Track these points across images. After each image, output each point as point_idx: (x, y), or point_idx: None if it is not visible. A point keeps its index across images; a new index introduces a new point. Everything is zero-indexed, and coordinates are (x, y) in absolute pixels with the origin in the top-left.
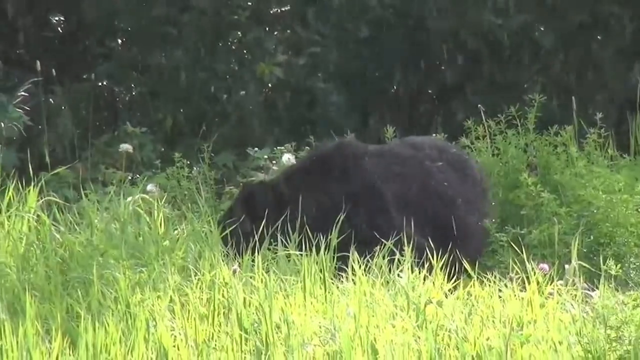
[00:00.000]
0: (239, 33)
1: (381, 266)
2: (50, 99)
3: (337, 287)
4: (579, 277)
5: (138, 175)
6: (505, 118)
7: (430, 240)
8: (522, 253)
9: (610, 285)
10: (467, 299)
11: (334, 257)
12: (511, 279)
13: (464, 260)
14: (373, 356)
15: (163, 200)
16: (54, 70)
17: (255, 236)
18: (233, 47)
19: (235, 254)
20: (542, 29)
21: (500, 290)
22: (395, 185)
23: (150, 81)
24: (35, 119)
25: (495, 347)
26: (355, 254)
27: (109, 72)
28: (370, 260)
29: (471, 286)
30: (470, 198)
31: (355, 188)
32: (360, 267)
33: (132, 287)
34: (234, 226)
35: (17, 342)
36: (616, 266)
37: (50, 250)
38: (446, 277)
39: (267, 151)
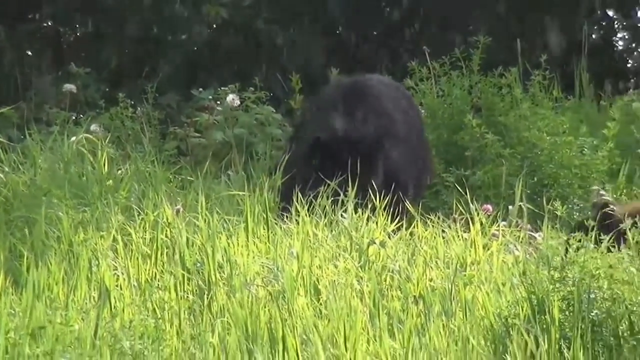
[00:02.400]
0: None
1: (325, 207)
2: None
3: (281, 228)
4: (523, 218)
5: (82, 116)
6: (450, 60)
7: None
8: (466, 194)
9: (554, 227)
10: (411, 239)
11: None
12: (455, 220)
13: (407, 201)
14: (316, 296)
15: (107, 140)
16: None
17: None
18: None
19: None
20: None
21: (443, 231)
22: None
23: (95, 22)
24: None
25: (439, 288)
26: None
27: (54, 12)
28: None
29: (415, 227)
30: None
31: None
32: (303, 207)
33: (75, 227)
34: None
35: None
36: (560, 207)
37: None
38: (390, 218)
39: (211, 92)
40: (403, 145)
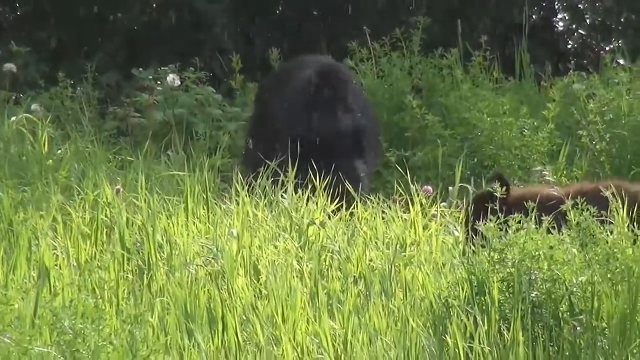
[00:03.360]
0: None
1: (265, 187)
2: None
3: (221, 208)
4: (463, 199)
5: (22, 95)
6: (391, 41)
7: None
8: (407, 175)
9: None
10: (351, 220)
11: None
12: (395, 201)
13: (347, 182)
14: (256, 277)
15: (47, 121)
16: None
17: None
18: None
19: None
20: None
21: (384, 212)
22: None
23: (36, 1)
24: None
25: (379, 268)
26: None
27: None
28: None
29: (355, 208)
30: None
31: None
32: (243, 188)
33: (15, 207)
34: None
35: None
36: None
37: None
38: (331, 198)
39: (151, 72)
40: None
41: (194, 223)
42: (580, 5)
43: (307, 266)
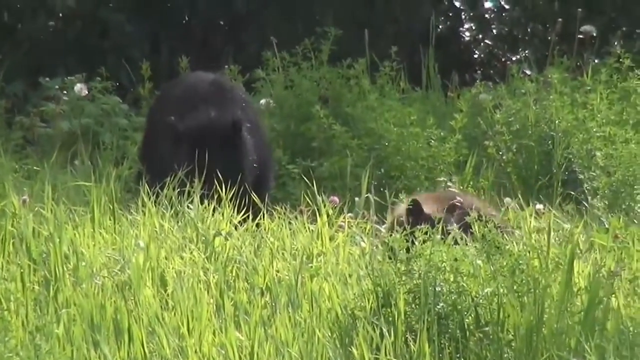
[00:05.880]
0: None
1: (171, 198)
2: None
3: (127, 219)
4: (369, 210)
5: None
6: (301, 50)
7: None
8: (313, 185)
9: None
10: (257, 231)
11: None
12: (301, 211)
13: (253, 193)
14: (162, 287)
15: None
16: None
17: None
18: None
19: None
20: None
21: (290, 223)
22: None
23: None
24: None
25: (285, 279)
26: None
27: None
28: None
29: (261, 218)
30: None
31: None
32: (150, 198)
33: None
34: None
35: None
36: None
37: None
38: (236, 209)
39: (58, 81)
40: (261, 138)
41: (100, 233)
42: (486, 15)
43: (213, 277)
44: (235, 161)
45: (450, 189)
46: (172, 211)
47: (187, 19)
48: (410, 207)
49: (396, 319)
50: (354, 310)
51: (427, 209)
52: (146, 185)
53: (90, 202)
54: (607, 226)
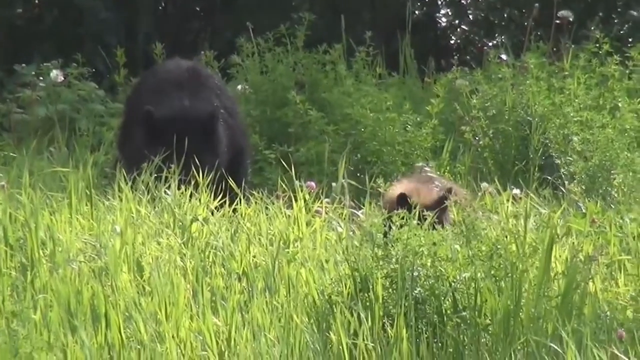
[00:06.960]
0: None
1: (148, 183)
2: None
3: (103, 204)
4: (346, 195)
5: None
6: (275, 36)
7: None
8: (290, 171)
9: (377, 204)
10: (234, 216)
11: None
12: (278, 197)
13: (230, 179)
14: (139, 273)
15: None
16: None
17: None
18: None
19: None
20: None
21: (267, 208)
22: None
23: None
24: None
25: (262, 265)
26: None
27: None
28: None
29: (238, 204)
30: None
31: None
32: (127, 184)
33: None
34: None
35: None
36: (383, 184)
37: None
38: (213, 195)
39: (34, 67)
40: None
41: (77, 219)
42: (462, 1)
43: (190, 262)
44: (211, 148)
45: (425, 170)
46: (149, 196)
47: (163, 5)
48: (399, 197)
49: (374, 304)
50: (331, 295)
51: (409, 193)
52: (123, 171)
53: (68, 187)
54: (584, 211)
